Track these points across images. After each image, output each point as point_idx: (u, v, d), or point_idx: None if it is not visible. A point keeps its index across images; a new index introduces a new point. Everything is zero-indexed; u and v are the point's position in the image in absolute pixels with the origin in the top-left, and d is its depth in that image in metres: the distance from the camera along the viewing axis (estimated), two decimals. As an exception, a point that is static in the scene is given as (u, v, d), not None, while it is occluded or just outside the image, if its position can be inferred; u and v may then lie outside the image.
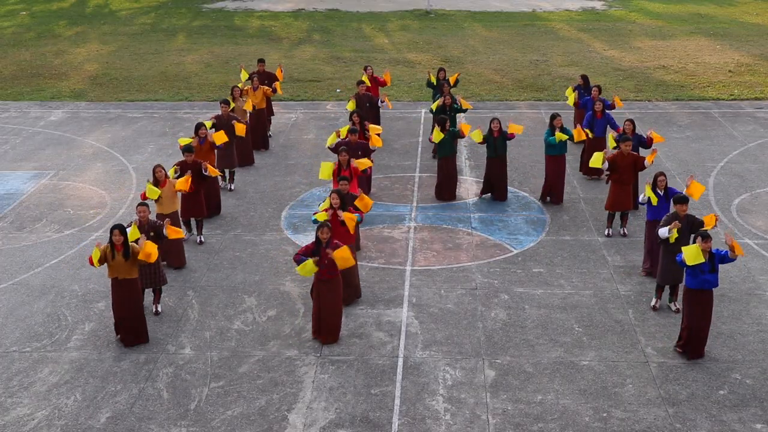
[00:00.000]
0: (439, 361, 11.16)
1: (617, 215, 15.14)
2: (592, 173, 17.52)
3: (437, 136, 16.14)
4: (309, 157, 19.21)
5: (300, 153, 19.55)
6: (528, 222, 15.60)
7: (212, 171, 14.58)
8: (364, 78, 19.70)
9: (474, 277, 13.45)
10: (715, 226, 11.73)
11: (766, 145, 19.79)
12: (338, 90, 25.16)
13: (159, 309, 12.42)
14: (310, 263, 11.15)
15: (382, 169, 18.42)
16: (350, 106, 18.49)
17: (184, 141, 15.40)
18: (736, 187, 17.13)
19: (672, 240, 11.74)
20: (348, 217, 12.24)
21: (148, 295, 12.63)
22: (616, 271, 13.58)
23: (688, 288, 10.89)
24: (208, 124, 16.46)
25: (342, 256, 11.14)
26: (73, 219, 15.90)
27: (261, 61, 20.69)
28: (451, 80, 19.51)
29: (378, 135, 16.60)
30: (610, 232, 14.89)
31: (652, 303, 12.45)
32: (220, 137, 15.82)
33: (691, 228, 11.82)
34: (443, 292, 12.99)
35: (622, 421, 9.95)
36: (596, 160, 14.45)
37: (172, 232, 12.19)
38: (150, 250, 11.17)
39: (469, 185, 17.42)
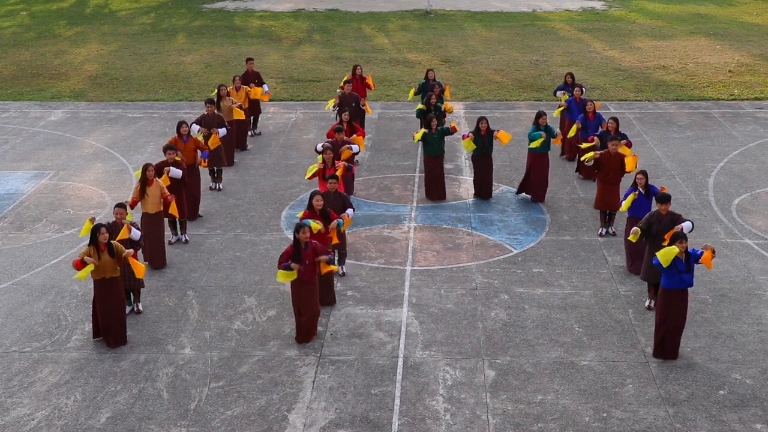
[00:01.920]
0: (439, 361, 11.16)
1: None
2: (587, 174, 17.49)
3: (418, 135, 16.33)
4: (309, 157, 19.19)
5: (300, 153, 19.55)
6: (528, 222, 15.60)
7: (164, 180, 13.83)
8: (345, 77, 19.77)
9: (474, 277, 13.45)
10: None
11: (766, 145, 19.79)
12: (338, 90, 25.13)
13: (140, 308, 12.42)
14: (293, 273, 11.25)
15: (382, 169, 18.43)
16: (330, 105, 18.64)
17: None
18: (736, 187, 17.13)
19: (630, 238, 11.92)
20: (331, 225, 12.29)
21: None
22: (616, 271, 13.58)
23: (665, 288, 10.91)
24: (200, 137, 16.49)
25: (329, 267, 11.47)
26: (73, 219, 15.90)
27: (249, 60, 20.68)
28: (446, 93, 19.37)
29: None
30: (604, 231, 14.91)
31: (647, 304, 12.45)
32: (214, 141, 15.97)
33: (674, 226, 11.82)
34: (443, 292, 12.99)
35: (622, 421, 9.95)
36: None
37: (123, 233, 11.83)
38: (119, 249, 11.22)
39: (469, 185, 17.42)
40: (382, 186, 17.44)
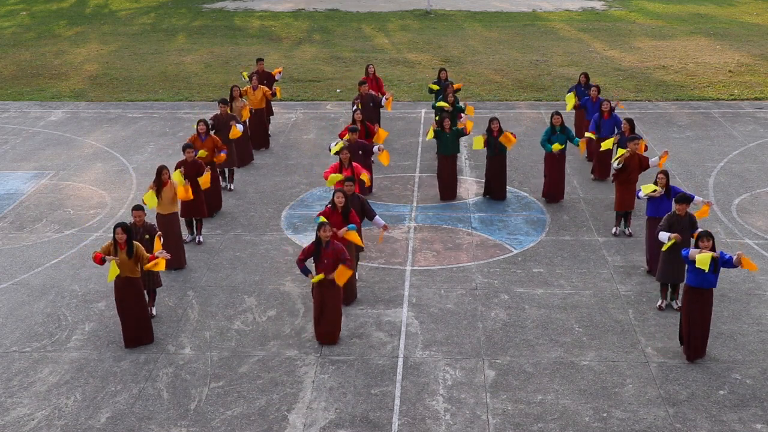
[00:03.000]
0: (439, 361, 11.16)
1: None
2: (603, 176, 17.41)
3: (430, 134, 16.35)
4: (309, 157, 19.21)
5: (300, 153, 19.55)
6: (528, 222, 15.60)
7: (182, 192, 13.65)
8: (366, 79, 19.68)
9: (474, 277, 13.45)
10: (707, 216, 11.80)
11: (766, 145, 19.79)
12: (338, 90, 25.16)
13: (154, 312, 12.38)
14: (319, 276, 11.32)
15: (382, 169, 18.42)
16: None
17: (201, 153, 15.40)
18: (736, 187, 17.13)
19: (664, 249, 11.74)
20: (350, 236, 12.19)
21: None
22: (616, 271, 13.58)
23: (688, 285, 10.90)
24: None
25: (343, 274, 11.26)
26: (73, 219, 15.90)
27: (260, 60, 20.66)
28: (456, 86, 19.27)
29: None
30: (618, 231, 14.88)
31: (658, 303, 12.43)
32: (234, 134, 16.64)
33: (692, 227, 11.83)
34: (443, 292, 12.99)
35: (622, 421, 9.95)
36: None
37: (155, 249, 11.61)
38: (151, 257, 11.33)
39: (469, 185, 17.42)
40: (382, 186, 17.43)
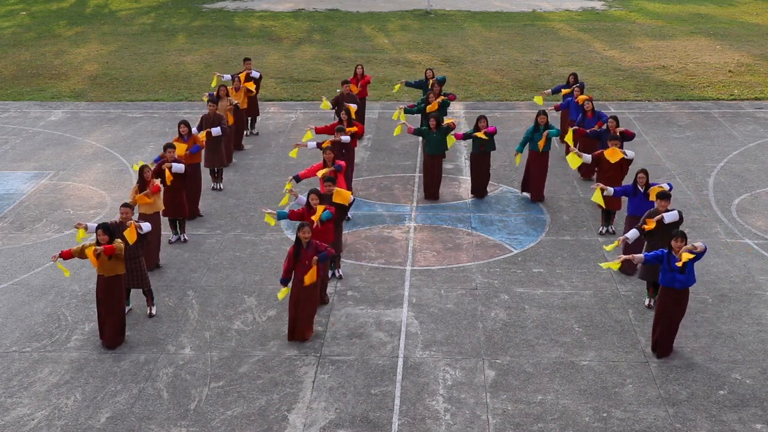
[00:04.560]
0: (439, 361, 11.16)
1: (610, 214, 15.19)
2: (587, 174, 17.45)
3: (398, 114, 16.71)
4: (309, 157, 19.19)
5: (300, 152, 19.51)
6: (528, 222, 15.60)
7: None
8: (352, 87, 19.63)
9: (474, 277, 13.46)
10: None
11: (766, 145, 19.79)
12: (338, 90, 25.11)
13: (153, 312, 12.38)
14: (285, 290, 11.45)
15: (382, 169, 18.42)
16: (324, 105, 18.68)
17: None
18: (736, 187, 17.13)
19: (609, 248, 11.83)
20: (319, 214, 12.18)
21: (138, 296, 12.65)
22: (615, 271, 13.57)
23: (660, 285, 10.99)
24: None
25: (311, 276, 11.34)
26: (73, 219, 15.90)
27: (247, 60, 20.65)
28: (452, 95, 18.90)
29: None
30: (604, 230, 14.91)
31: (646, 303, 12.47)
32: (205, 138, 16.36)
33: (672, 224, 11.85)
34: (443, 292, 12.99)
35: (622, 421, 9.96)
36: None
37: (130, 234, 11.67)
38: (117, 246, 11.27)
39: (469, 185, 17.41)
40: (382, 186, 17.44)
